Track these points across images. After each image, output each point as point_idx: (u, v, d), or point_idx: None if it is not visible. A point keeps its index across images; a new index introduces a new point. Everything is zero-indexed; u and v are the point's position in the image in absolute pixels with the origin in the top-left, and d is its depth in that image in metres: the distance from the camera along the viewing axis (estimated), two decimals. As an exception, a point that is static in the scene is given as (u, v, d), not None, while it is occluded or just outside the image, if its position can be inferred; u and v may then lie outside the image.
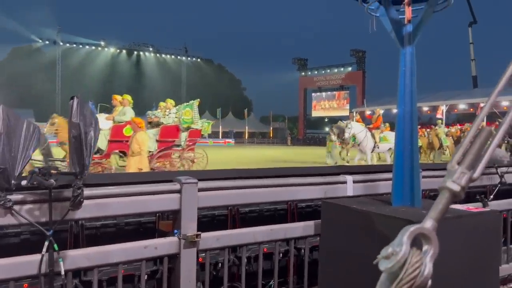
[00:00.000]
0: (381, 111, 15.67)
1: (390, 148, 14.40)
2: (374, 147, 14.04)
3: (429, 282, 0.60)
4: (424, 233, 0.63)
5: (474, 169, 0.68)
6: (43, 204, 2.11)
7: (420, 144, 20.10)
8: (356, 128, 13.97)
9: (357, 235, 2.48)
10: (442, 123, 23.75)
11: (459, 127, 21.72)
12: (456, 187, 0.66)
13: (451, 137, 20.44)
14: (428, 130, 22.42)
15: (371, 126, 14.79)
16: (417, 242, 0.62)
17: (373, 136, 14.10)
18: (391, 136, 14.46)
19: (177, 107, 12.46)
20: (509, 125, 0.72)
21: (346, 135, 13.79)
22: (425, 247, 0.62)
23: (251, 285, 2.90)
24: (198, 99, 12.68)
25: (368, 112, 43.83)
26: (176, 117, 11.98)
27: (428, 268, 0.60)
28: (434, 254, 0.62)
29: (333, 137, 15.43)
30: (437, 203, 0.66)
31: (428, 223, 0.64)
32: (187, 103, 12.51)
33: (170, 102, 12.63)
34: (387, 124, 21.83)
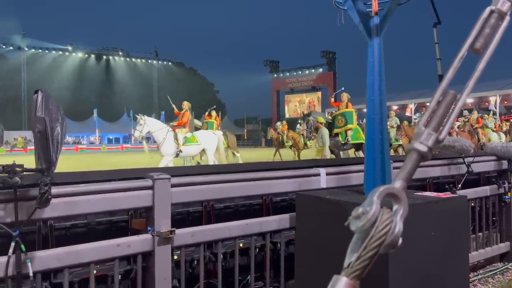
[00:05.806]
0: (189, 104, 11.87)
1: (203, 150, 11.20)
2: (178, 151, 10.61)
3: (400, 240, 0.61)
4: (393, 192, 0.63)
5: (440, 130, 0.69)
6: (8, 204, 2.03)
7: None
8: (152, 126, 10.56)
9: (331, 225, 2.50)
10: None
11: None
12: (423, 148, 0.67)
13: None
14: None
15: (175, 123, 11.43)
16: (386, 203, 0.63)
17: (175, 137, 10.60)
18: (202, 136, 11.29)
19: None
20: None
21: (137, 133, 10.36)
22: (395, 207, 0.63)
23: (227, 281, 2.87)
24: None
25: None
26: None
27: (398, 226, 0.61)
28: (404, 213, 0.63)
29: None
30: (405, 165, 0.67)
31: (398, 183, 0.64)
32: None
33: None
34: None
